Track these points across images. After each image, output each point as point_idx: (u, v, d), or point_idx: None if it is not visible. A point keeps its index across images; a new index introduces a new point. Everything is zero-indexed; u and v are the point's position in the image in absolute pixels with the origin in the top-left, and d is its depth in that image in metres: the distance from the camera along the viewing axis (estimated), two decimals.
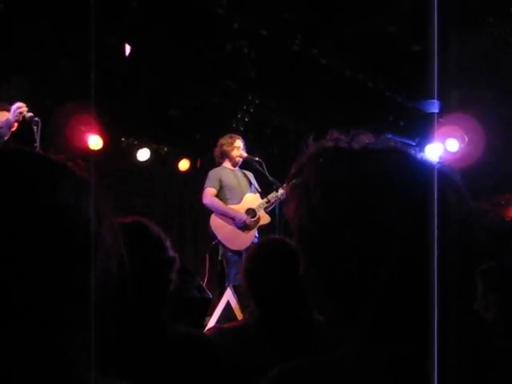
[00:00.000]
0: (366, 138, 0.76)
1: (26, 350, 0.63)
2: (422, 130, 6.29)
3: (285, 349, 1.67)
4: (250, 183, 5.34)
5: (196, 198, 5.79)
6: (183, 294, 2.98)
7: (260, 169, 5.27)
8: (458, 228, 0.71)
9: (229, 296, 3.43)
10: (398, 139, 0.77)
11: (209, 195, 5.14)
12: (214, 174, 5.26)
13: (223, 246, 5.09)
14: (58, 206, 0.66)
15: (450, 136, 6.26)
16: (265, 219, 5.25)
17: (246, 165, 5.44)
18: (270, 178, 5.23)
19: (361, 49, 5.59)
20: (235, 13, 5.10)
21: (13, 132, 4.07)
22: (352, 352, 0.73)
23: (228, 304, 3.41)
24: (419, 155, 0.76)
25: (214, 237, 5.12)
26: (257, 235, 5.20)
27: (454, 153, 6.21)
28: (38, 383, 0.63)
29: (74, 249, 0.66)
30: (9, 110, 4.06)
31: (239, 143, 5.29)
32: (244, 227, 5.10)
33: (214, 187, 5.16)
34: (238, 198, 5.20)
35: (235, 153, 5.26)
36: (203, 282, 4.74)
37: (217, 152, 5.37)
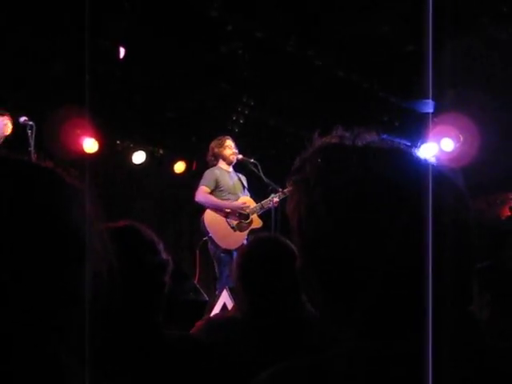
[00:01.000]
0: (370, 137, 0.76)
1: (19, 355, 0.63)
2: (416, 130, 6.30)
3: (275, 344, 1.68)
4: (244, 187, 5.36)
5: (192, 200, 5.80)
6: (179, 297, 2.98)
7: (255, 170, 5.27)
8: (456, 227, 0.71)
9: (225, 298, 3.43)
10: (400, 141, 0.77)
11: (202, 193, 5.15)
12: (210, 173, 5.26)
13: (214, 243, 5.09)
14: (47, 213, 0.66)
15: (444, 136, 6.28)
16: (257, 223, 5.29)
17: (241, 166, 5.44)
18: (266, 180, 5.24)
19: (355, 49, 5.60)
20: (229, 15, 5.10)
21: (7, 136, 4.06)
22: (346, 349, 0.73)
23: (224, 306, 3.41)
24: (420, 156, 0.76)
25: (206, 233, 5.12)
26: (246, 237, 5.21)
27: (449, 152, 6.22)
28: None
29: (64, 255, 0.66)
30: (2, 115, 4.05)
31: (229, 142, 5.32)
32: (239, 220, 5.11)
33: (208, 186, 5.16)
34: (232, 200, 5.21)
35: (227, 152, 5.28)
36: (195, 278, 4.74)
37: (209, 156, 5.40)
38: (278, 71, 5.94)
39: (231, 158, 5.28)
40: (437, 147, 6.26)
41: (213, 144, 5.36)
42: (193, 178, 6.74)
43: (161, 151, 7.45)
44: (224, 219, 5.12)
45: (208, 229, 5.11)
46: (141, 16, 4.93)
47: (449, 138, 6.33)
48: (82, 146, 6.16)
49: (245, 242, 5.14)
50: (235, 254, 5.06)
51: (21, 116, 4.17)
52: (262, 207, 5.23)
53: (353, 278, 0.71)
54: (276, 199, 5.14)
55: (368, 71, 5.94)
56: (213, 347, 1.65)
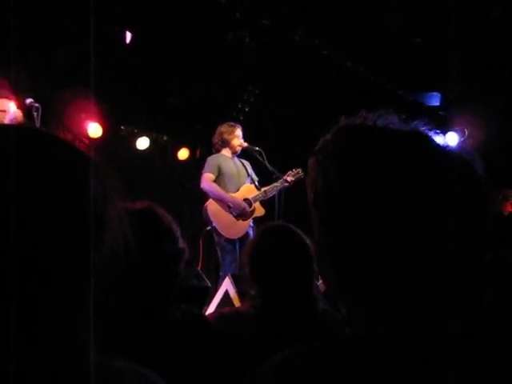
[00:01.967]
0: (392, 119, 0.76)
1: (36, 330, 0.63)
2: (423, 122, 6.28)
3: (286, 337, 1.66)
4: (248, 173, 5.32)
5: (195, 187, 5.79)
6: (182, 283, 2.97)
7: (260, 158, 5.25)
8: (475, 213, 0.71)
9: (227, 285, 3.43)
10: (427, 127, 0.77)
11: (207, 180, 5.12)
12: (213, 160, 5.23)
13: (217, 233, 5.08)
14: (70, 185, 0.66)
15: (450, 129, 6.26)
16: (260, 211, 5.25)
17: (245, 154, 5.43)
18: (270, 168, 5.22)
19: (362, 41, 5.57)
20: (237, 2, 5.07)
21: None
22: (354, 336, 0.73)
23: (226, 293, 3.42)
24: (443, 142, 0.76)
25: (209, 222, 5.12)
26: (251, 225, 5.19)
27: (454, 146, 6.20)
28: (48, 366, 0.63)
29: (83, 229, 0.66)
30: (8, 98, 4.03)
31: (239, 132, 5.27)
32: (240, 215, 5.10)
33: (212, 173, 5.13)
34: (235, 187, 5.19)
35: (236, 142, 5.24)
36: (197, 266, 4.75)
37: (216, 139, 5.33)
38: (285, 60, 5.91)
39: (237, 148, 5.26)
40: (442, 140, 6.23)
41: (223, 128, 5.29)
42: (196, 164, 6.74)
43: (165, 137, 7.44)
44: (227, 208, 5.10)
45: (211, 218, 5.10)
46: (148, 1, 4.91)
47: (454, 131, 6.31)
48: (86, 130, 6.15)
49: (249, 230, 5.14)
50: (238, 243, 5.07)
51: (27, 98, 4.15)
52: (265, 193, 5.21)
53: (366, 258, 0.71)
54: (279, 186, 5.12)
55: (375, 62, 5.91)
56: (218, 329, 1.64)
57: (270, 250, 1.95)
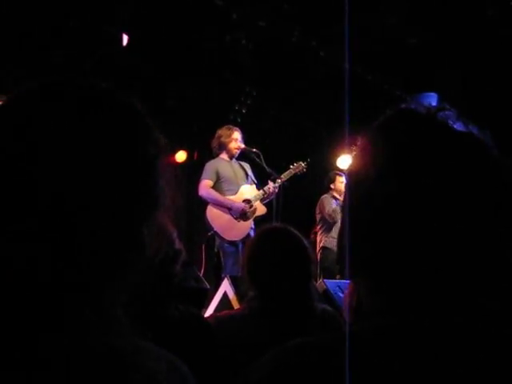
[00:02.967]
0: (455, 118, 0.76)
1: (71, 299, 0.63)
2: None
3: (284, 338, 1.65)
4: (247, 174, 5.33)
5: (192, 190, 5.78)
6: (181, 284, 2.97)
7: (257, 160, 5.26)
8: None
9: (226, 287, 3.42)
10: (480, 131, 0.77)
11: (205, 187, 5.14)
12: (210, 166, 5.24)
13: (219, 236, 5.09)
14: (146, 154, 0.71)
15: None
16: (261, 210, 5.25)
17: (243, 156, 5.43)
18: (268, 169, 5.23)
19: (359, 41, 5.57)
20: (234, 4, 5.07)
21: None
22: (355, 328, 0.72)
23: (225, 295, 3.40)
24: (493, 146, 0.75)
25: (210, 227, 5.12)
26: (253, 226, 5.20)
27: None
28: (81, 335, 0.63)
29: (143, 199, 0.68)
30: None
31: (237, 135, 5.27)
32: (241, 216, 5.10)
33: (210, 179, 5.15)
34: (234, 190, 5.19)
35: (233, 145, 5.24)
36: (200, 273, 4.73)
37: (214, 143, 5.35)
38: (282, 61, 5.92)
39: (234, 151, 5.26)
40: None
41: (221, 132, 5.31)
42: (194, 167, 6.74)
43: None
44: (227, 211, 5.11)
45: (212, 224, 5.10)
46: (145, 3, 4.91)
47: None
48: None
49: (251, 231, 5.14)
50: (241, 245, 5.07)
51: None
52: (264, 193, 5.21)
53: (401, 242, 0.71)
54: (276, 184, 5.16)
55: (372, 63, 5.92)
56: (215, 332, 1.64)
57: (268, 252, 1.95)
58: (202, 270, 5.18)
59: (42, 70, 5.45)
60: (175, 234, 1.54)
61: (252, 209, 5.17)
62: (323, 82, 6.25)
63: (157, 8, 4.97)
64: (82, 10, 4.79)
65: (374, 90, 6.15)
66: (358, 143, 0.79)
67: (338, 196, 6.18)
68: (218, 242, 5.13)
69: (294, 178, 5.39)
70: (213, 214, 5.12)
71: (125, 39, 5.29)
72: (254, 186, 5.33)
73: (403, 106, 0.79)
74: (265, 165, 5.23)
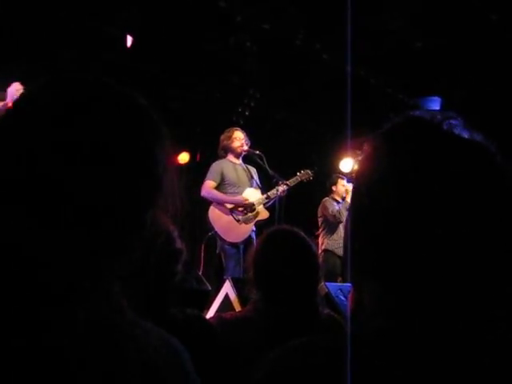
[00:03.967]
0: (460, 127, 0.76)
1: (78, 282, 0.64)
2: None
3: (289, 341, 1.64)
4: (252, 178, 5.33)
5: (195, 191, 5.78)
6: (182, 286, 2.97)
7: (260, 162, 5.26)
8: None
9: (227, 289, 3.42)
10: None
11: (207, 187, 5.15)
12: (216, 167, 5.25)
13: (220, 238, 5.09)
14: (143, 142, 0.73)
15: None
16: (263, 214, 5.25)
17: (247, 159, 5.43)
18: (270, 172, 5.23)
19: (363, 45, 5.58)
20: (238, 6, 5.08)
21: None
22: (356, 330, 0.73)
23: (226, 297, 3.40)
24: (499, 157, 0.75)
25: (212, 228, 5.13)
26: (254, 229, 5.20)
27: None
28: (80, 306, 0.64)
29: (147, 182, 0.71)
30: (3, 100, 4.03)
31: (238, 134, 5.28)
32: (244, 213, 5.11)
33: (214, 180, 5.16)
34: (237, 193, 5.19)
35: (236, 144, 5.25)
36: (199, 271, 4.74)
37: (220, 149, 5.38)
38: (286, 64, 5.92)
39: (239, 149, 5.26)
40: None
41: (222, 137, 5.34)
42: (197, 168, 6.74)
43: None
44: (229, 212, 5.12)
45: (213, 224, 5.11)
46: (149, 5, 4.92)
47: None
48: None
49: (252, 233, 5.15)
50: (241, 247, 5.07)
51: None
52: (268, 197, 5.22)
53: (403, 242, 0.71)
54: (282, 188, 5.16)
55: (375, 67, 5.92)
56: (219, 333, 1.64)
57: (276, 254, 1.93)
58: (201, 270, 5.19)
59: (46, 72, 5.46)
60: (176, 233, 1.54)
61: (254, 212, 5.17)
62: (327, 85, 6.25)
63: (161, 10, 4.98)
64: (86, 11, 4.80)
65: (377, 93, 6.15)
66: (364, 149, 0.79)
67: (339, 199, 6.19)
68: (219, 243, 5.13)
69: (299, 184, 5.39)
70: (214, 215, 5.12)
71: (129, 41, 5.30)
72: (259, 190, 5.33)
73: (409, 113, 0.80)
74: (268, 167, 5.23)
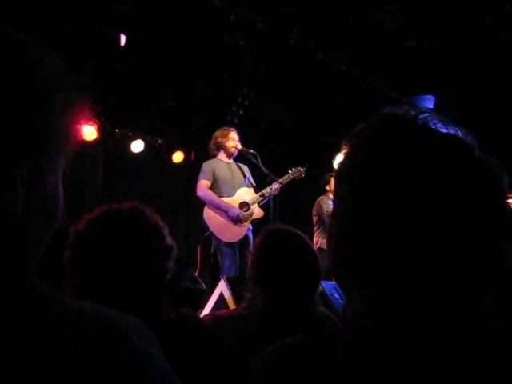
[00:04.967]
0: (434, 120, 0.77)
1: None
2: None
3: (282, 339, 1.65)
4: (245, 176, 5.33)
5: (189, 190, 5.78)
6: (176, 284, 2.97)
7: (254, 161, 5.26)
8: (494, 222, 0.72)
9: (222, 287, 3.42)
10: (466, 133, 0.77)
11: (202, 187, 5.13)
12: (207, 166, 5.24)
13: (216, 237, 5.09)
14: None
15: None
16: (258, 213, 5.25)
17: (241, 157, 5.43)
18: (265, 171, 5.23)
19: (357, 43, 5.59)
20: (232, 5, 5.08)
21: None
22: (350, 326, 0.73)
23: (221, 295, 3.41)
24: (478, 152, 0.76)
25: (207, 228, 5.12)
26: (250, 227, 5.20)
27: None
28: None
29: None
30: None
31: (233, 135, 5.28)
32: (237, 221, 5.10)
33: (207, 179, 5.15)
34: (231, 192, 5.19)
35: (230, 144, 5.25)
36: (195, 273, 4.74)
37: (212, 145, 5.36)
38: (280, 63, 5.92)
39: (231, 150, 5.26)
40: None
41: (217, 133, 5.33)
42: (191, 168, 6.74)
43: (159, 140, 7.44)
44: (223, 212, 5.11)
45: (208, 224, 5.10)
46: (143, 3, 4.91)
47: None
48: (81, 132, 6.13)
49: (248, 233, 5.15)
50: (237, 246, 5.07)
51: None
52: (262, 195, 5.22)
53: (380, 241, 0.71)
54: (275, 186, 5.16)
55: (370, 65, 5.94)
56: (213, 331, 1.64)
57: (277, 252, 1.95)
58: (198, 271, 5.19)
59: None
60: (166, 230, 1.55)
61: (249, 212, 5.17)
62: (321, 84, 6.26)
63: (155, 9, 4.97)
64: (80, 10, 4.79)
65: (371, 92, 6.17)
66: (342, 146, 0.80)
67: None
68: (214, 242, 5.13)
69: (291, 181, 5.40)
70: (209, 215, 5.12)
71: (122, 40, 5.29)
72: (252, 188, 5.33)
73: (383, 110, 0.81)
74: (262, 166, 5.23)
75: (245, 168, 5.37)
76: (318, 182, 6.43)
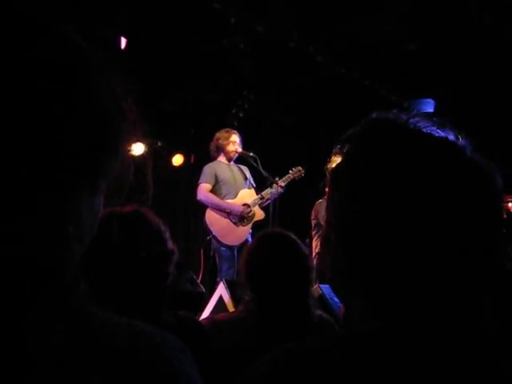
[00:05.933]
0: (424, 123, 0.76)
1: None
2: None
3: (281, 343, 1.65)
4: (246, 178, 5.32)
5: (189, 193, 5.77)
6: (176, 287, 2.96)
7: (254, 164, 5.25)
8: (489, 224, 0.73)
9: (221, 290, 3.41)
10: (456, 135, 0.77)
11: (203, 191, 5.12)
12: (209, 169, 5.23)
13: (217, 240, 5.08)
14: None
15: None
16: (259, 215, 5.24)
17: (240, 160, 5.43)
18: (264, 173, 5.22)
19: (357, 47, 5.59)
20: (232, 8, 5.08)
21: None
22: (349, 332, 0.73)
23: (220, 298, 3.40)
24: (473, 153, 0.76)
25: (209, 231, 5.11)
26: (250, 231, 5.19)
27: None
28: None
29: (100, 144, 0.63)
30: None
31: (235, 138, 5.27)
32: (240, 220, 5.10)
33: (208, 183, 5.14)
34: (233, 193, 5.18)
35: (230, 147, 5.24)
36: (198, 277, 4.74)
37: (212, 146, 5.35)
38: (279, 66, 5.93)
39: (232, 154, 5.26)
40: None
41: (219, 135, 5.31)
42: (191, 171, 6.73)
43: (159, 143, 7.43)
44: (226, 215, 5.10)
45: (210, 227, 5.09)
46: (143, 6, 4.91)
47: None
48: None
49: (249, 236, 5.14)
50: (236, 249, 5.06)
51: None
52: (262, 198, 5.22)
53: (377, 246, 0.72)
54: (276, 189, 5.16)
55: (369, 69, 5.94)
56: (212, 335, 1.63)
57: (267, 257, 1.94)
58: (201, 275, 5.18)
59: None
60: (168, 234, 1.54)
61: (251, 214, 5.16)
62: (320, 87, 6.26)
63: (155, 11, 4.98)
64: (79, 12, 4.79)
65: (370, 95, 6.17)
66: (335, 150, 0.80)
67: None
68: (214, 245, 5.12)
69: (291, 183, 5.39)
70: (211, 218, 5.11)
71: (123, 42, 5.29)
72: (253, 190, 5.33)
73: (374, 115, 0.81)
74: (262, 169, 5.23)
75: (245, 169, 5.36)
76: (317, 185, 6.43)
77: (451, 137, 0.76)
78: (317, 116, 6.80)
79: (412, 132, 0.75)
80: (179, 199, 7.61)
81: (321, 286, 3.50)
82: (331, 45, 5.62)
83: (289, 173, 5.39)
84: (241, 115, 6.57)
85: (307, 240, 6.43)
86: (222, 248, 5.05)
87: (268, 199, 5.20)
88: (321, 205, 6.19)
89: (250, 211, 5.16)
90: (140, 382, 0.59)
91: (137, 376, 0.59)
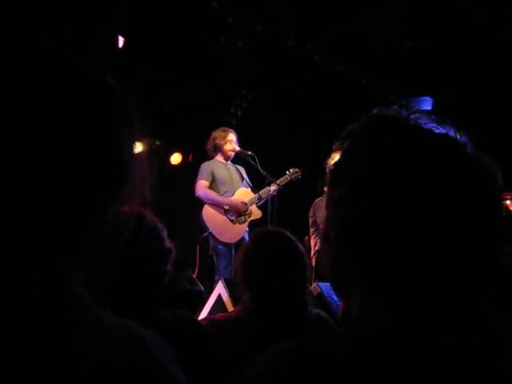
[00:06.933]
0: (425, 119, 0.77)
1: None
2: None
3: (278, 341, 1.65)
4: (242, 178, 5.33)
5: (187, 192, 5.77)
6: (174, 286, 2.96)
7: (252, 163, 5.25)
8: (490, 220, 0.73)
9: (220, 289, 3.41)
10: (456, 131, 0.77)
11: (202, 187, 5.12)
12: (206, 166, 5.23)
13: (214, 237, 5.08)
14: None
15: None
16: (256, 214, 5.25)
17: (238, 158, 5.43)
18: (263, 172, 5.23)
19: (354, 45, 5.59)
20: (230, 7, 5.08)
21: None
22: (349, 329, 0.73)
23: (219, 297, 3.40)
24: (468, 147, 0.76)
25: (206, 228, 5.11)
26: (247, 229, 5.20)
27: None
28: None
29: (110, 172, 0.67)
30: None
31: (232, 137, 5.27)
32: (238, 217, 5.11)
33: (206, 180, 5.14)
34: (230, 192, 5.19)
35: (228, 147, 5.24)
36: (193, 274, 4.74)
37: (209, 145, 5.35)
38: (277, 65, 5.93)
39: (229, 153, 5.26)
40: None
41: (215, 134, 5.31)
42: (189, 169, 6.73)
43: (157, 142, 7.43)
44: (223, 213, 5.11)
45: (207, 224, 5.09)
46: (141, 5, 4.91)
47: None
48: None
49: (245, 234, 5.14)
50: (233, 247, 5.06)
51: None
52: (259, 197, 5.23)
53: (377, 242, 0.72)
54: (273, 188, 5.17)
55: (367, 67, 5.94)
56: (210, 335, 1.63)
57: (263, 256, 1.94)
58: (196, 272, 5.18)
59: None
60: (165, 232, 1.54)
61: (248, 211, 5.17)
62: (318, 85, 6.27)
63: (153, 10, 4.97)
64: (77, 11, 4.79)
65: (368, 93, 6.17)
66: (335, 147, 0.81)
67: None
68: (211, 243, 5.12)
69: (288, 183, 5.40)
70: (208, 215, 5.11)
71: (120, 41, 5.29)
72: (249, 188, 5.33)
73: (374, 112, 0.81)
74: (260, 167, 5.23)
75: (242, 169, 5.37)
76: (315, 184, 6.43)
77: (451, 133, 0.76)
78: (315, 115, 6.80)
79: (413, 128, 0.76)
80: (177, 198, 7.61)
81: (320, 284, 3.50)
82: (329, 44, 5.62)
83: (286, 174, 5.39)
84: (239, 114, 6.57)
85: (306, 238, 6.45)
86: (219, 246, 5.05)
87: (265, 198, 5.21)
88: (319, 203, 6.20)
89: (248, 209, 5.17)
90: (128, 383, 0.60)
91: (125, 377, 0.60)
